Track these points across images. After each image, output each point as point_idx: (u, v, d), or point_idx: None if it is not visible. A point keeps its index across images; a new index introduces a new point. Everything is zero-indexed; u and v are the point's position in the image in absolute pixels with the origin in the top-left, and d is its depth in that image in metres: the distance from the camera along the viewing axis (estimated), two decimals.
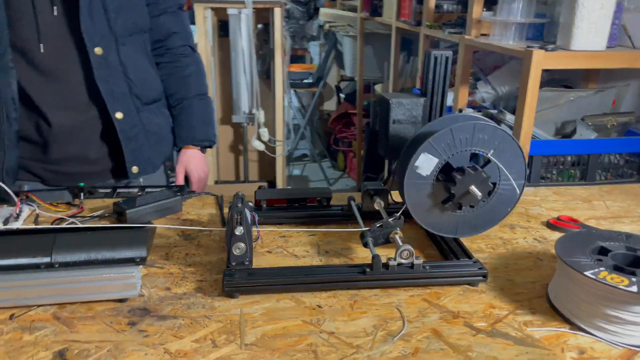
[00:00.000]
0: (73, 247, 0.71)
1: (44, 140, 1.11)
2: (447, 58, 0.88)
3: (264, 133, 2.98)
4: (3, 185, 0.93)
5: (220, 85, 3.24)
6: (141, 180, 1.23)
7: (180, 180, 1.32)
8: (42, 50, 1.05)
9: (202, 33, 2.86)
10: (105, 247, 0.71)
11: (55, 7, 1.05)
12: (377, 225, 0.80)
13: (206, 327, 0.66)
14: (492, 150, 0.77)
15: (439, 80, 0.89)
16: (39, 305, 0.70)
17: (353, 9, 3.62)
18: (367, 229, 0.81)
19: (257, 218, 0.87)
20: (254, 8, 2.85)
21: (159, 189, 1.05)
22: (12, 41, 1.04)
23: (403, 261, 0.76)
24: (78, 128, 1.11)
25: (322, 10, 4.23)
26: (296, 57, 5.42)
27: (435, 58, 0.88)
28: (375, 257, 0.75)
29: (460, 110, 1.55)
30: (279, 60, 2.92)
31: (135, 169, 1.18)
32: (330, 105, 4.74)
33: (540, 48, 1.31)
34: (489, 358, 0.61)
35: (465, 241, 0.88)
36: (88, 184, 1.11)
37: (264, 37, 3.21)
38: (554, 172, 1.47)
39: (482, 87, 1.85)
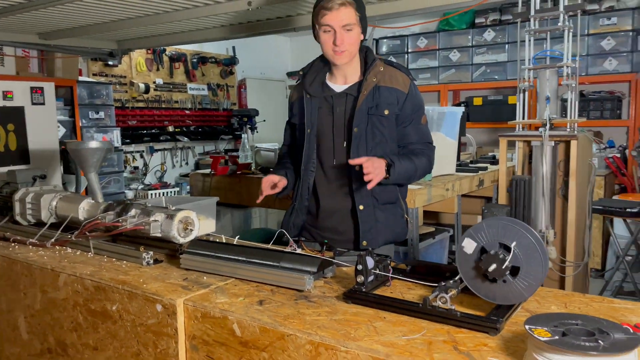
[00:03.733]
0: (292, 261, 1.44)
1: (317, 214, 1.94)
2: (524, 181, 1.25)
3: (552, 251, 3.14)
4: (285, 232, 1.78)
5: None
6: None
7: None
8: (334, 164, 1.90)
9: (503, 160, 3.36)
10: (305, 262, 1.42)
11: (344, 141, 1.89)
12: (443, 284, 1.23)
13: (314, 308, 1.27)
14: (514, 242, 1.12)
15: (520, 194, 1.26)
16: (265, 283, 1.45)
17: None
18: (437, 285, 1.25)
19: (391, 271, 1.41)
20: (554, 140, 3.18)
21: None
22: (317, 156, 1.92)
23: (442, 305, 1.17)
24: (336, 211, 1.90)
25: None
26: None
27: (517, 181, 1.26)
28: (425, 299, 1.19)
29: None
30: (573, 184, 3.10)
31: (364, 243, 1.86)
32: None
33: None
34: None
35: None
36: (333, 245, 1.86)
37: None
38: None
39: None
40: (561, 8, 3.15)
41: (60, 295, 1.66)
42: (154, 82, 5.77)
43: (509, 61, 5.80)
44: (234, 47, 6.75)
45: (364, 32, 1.84)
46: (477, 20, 5.91)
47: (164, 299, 1.38)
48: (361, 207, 1.86)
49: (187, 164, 6.31)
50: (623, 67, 5.24)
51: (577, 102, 3.20)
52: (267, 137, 7.02)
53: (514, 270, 1.12)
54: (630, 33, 5.17)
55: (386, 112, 1.84)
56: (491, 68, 5.91)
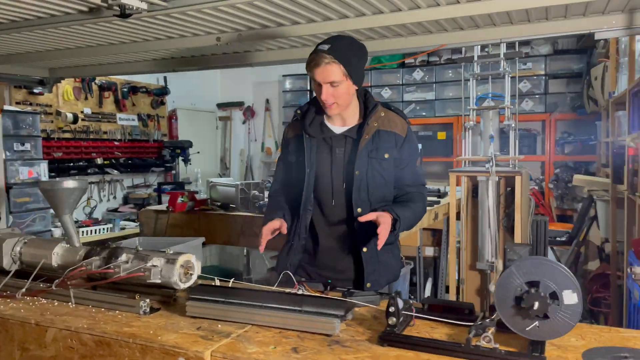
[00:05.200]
0: (314, 304, 1.42)
1: (314, 253, 1.93)
2: (544, 222, 1.34)
3: None
4: (290, 274, 1.75)
5: (470, 236, 3.80)
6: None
7: None
8: (332, 204, 1.90)
9: (453, 194, 3.56)
10: (330, 305, 1.40)
11: (344, 184, 1.90)
12: (479, 323, 1.28)
13: (354, 353, 1.26)
14: (551, 279, 1.19)
15: (541, 234, 1.35)
16: (288, 329, 1.41)
17: (608, 175, 3.80)
18: (473, 324, 1.29)
19: (414, 311, 1.44)
20: (499, 176, 3.43)
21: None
22: (314, 196, 1.92)
23: (486, 344, 1.21)
24: (335, 250, 1.90)
25: (577, 177, 4.46)
26: (564, 217, 5.57)
27: (537, 222, 1.35)
28: (468, 339, 1.23)
29: None
30: (519, 217, 3.35)
31: (368, 285, 1.88)
32: (594, 266, 4.66)
33: None
34: None
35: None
36: (335, 285, 1.85)
37: (510, 198, 3.70)
38: None
39: None
40: (502, 55, 3.44)
41: (48, 353, 1.50)
42: (82, 112, 5.45)
43: (437, 99, 6.18)
44: (165, 77, 6.58)
45: (357, 83, 1.85)
46: (406, 61, 6.26)
47: (189, 352, 1.30)
48: (365, 250, 1.87)
49: (115, 198, 5.97)
50: (538, 107, 5.78)
51: (517, 141, 3.49)
52: (202, 169, 6.86)
53: (554, 305, 1.19)
54: (543, 77, 5.74)
55: (386, 155, 1.88)
56: (420, 105, 6.26)
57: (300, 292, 1.71)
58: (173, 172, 6.61)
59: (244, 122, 7.91)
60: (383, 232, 1.69)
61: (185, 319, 1.53)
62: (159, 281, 1.62)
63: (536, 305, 1.19)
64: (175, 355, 1.32)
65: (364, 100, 1.92)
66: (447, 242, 3.84)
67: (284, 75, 7.13)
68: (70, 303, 1.68)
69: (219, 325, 1.47)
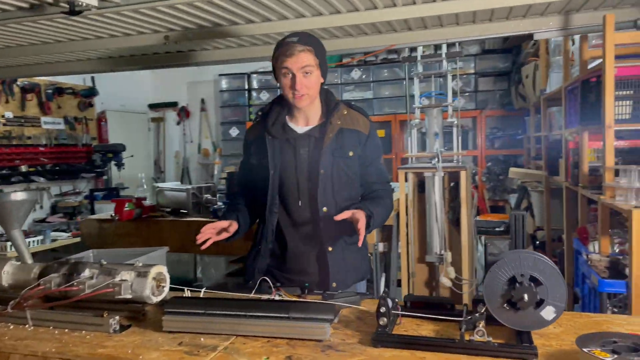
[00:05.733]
0: (302, 310, 1.39)
1: (282, 256, 1.89)
2: (522, 216, 1.40)
3: (451, 271, 3.47)
4: (268, 280, 1.71)
5: (418, 230, 3.90)
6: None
7: None
8: (299, 205, 1.87)
9: (402, 190, 3.64)
10: (319, 310, 1.38)
11: (309, 184, 1.87)
12: (469, 318, 1.31)
13: (350, 357, 1.25)
14: (536, 271, 1.24)
15: (520, 228, 1.40)
16: (277, 338, 1.38)
17: (540, 168, 4.05)
18: (462, 319, 1.32)
19: (400, 309, 1.45)
20: (445, 171, 3.54)
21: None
22: (280, 198, 1.88)
23: (479, 338, 1.24)
24: (303, 252, 1.87)
25: (512, 170, 4.72)
26: (497, 208, 5.86)
27: (515, 216, 1.40)
28: (461, 334, 1.25)
29: None
30: (464, 211, 3.48)
31: (334, 285, 1.87)
32: None
33: None
34: None
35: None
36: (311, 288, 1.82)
37: (454, 192, 3.84)
38: None
39: None
40: (444, 55, 3.56)
41: None
42: (3, 116, 5.03)
43: (375, 98, 6.30)
44: (92, 78, 6.23)
45: (323, 75, 1.87)
46: (344, 60, 6.32)
47: None
48: (330, 249, 1.86)
49: (42, 207, 5.57)
50: (469, 104, 6.05)
51: (460, 137, 3.62)
52: (132, 173, 6.56)
53: (541, 298, 1.25)
54: (473, 75, 6.02)
55: (350, 153, 1.87)
56: (359, 104, 6.33)
57: (278, 297, 1.67)
58: (105, 177, 6.27)
59: (178, 123, 7.66)
60: (362, 228, 1.68)
61: (163, 335, 1.45)
62: (129, 296, 1.52)
63: (526, 297, 1.23)
64: None
65: (325, 99, 1.91)
66: (398, 237, 3.92)
67: (220, 75, 6.97)
68: (27, 325, 1.55)
69: (202, 339, 1.40)
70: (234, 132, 6.93)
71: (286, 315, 1.40)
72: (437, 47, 3.84)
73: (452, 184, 3.82)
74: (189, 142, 7.63)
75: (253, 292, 1.70)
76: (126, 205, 2.92)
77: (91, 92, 6.16)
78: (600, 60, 2.40)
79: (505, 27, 2.76)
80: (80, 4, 1.69)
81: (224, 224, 1.86)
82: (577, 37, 3.05)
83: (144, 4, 1.95)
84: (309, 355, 1.28)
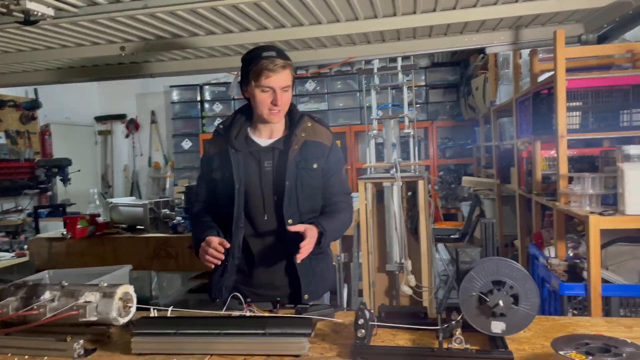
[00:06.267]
0: (278, 325, 1.37)
1: (249, 272, 1.86)
2: (492, 223, 1.44)
3: (412, 279, 3.52)
4: (239, 296, 1.67)
5: (377, 240, 3.94)
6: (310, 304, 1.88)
7: None
8: (265, 219, 1.85)
9: (363, 200, 3.68)
10: (295, 325, 1.36)
11: (275, 196, 1.85)
12: (445, 326, 1.33)
13: None
14: (509, 277, 1.28)
15: (490, 235, 1.44)
16: (254, 355, 1.35)
17: (492, 176, 4.20)
18: (439, 327, 1.33)
19: (376, 320, 1.45)
20: (403, 181, 3.61)
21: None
22: (245, 212, 1.85)
23: (457, 346, 1.26)
24: (271, 266, 1.85)
25: (465, 178, 4.87)
26: (449, 215, 6.02)
27: (485, 224, 1.44)
28: (440, 342, 1.27)
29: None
30: (423, 219, 3.56)
31: (306, 297, 1.85)
32: None
33: (600, 214, 1.75)
34: None
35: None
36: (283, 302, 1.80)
37: (412, 202, 3.91)
38: (636, 309, 1.77)
39: (584, 243, 2.24)
40: (399, 67, 3.64)
41: None
42: None
43: (330, 109, 6.35)
44: (35, 90, 5.96)
45: (293, 89, 1.88)
46: (298, 72, 6.35)
47: None
48: (298, 261, 1.84)
49: None
50: (421, 115, 6.20)
51: (416, 147, 3.70)
52: (78, 189, 6.30)
53: (515, 302, 1.28)
54: (424, 88, 6.19)
55: (315, 165, 1.87)
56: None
57: (249, 314, 1.64)
58: (49, 193, 5.99)
59: (127, 136, 7.44)
60: (307, 247, 1.68)
61: (132, 358, 1.39)
62: (94, 319, 1.45)
63: (501, 302, 1.26)
64: None
65: (289, 112, 1.91)
66: (358, 247, 3.95)
67: (171, 86, 6.83)
68: None
69: None
70: (187, 144, 6.80)
71: (262, 332, 1.37)
72: (392, 59, 3.92)
73: (409, 193, 3.89)
74: (139, 155, 7.42)
75: (224, 309, 1.66)
76: (79, 223, 2.79)
77: (34, 104, 5.89)
78: (550, 73, 2.52)
79: (459, 41, 2.86)
80: (35, 13, 1.62)
81: (217, 239, 1.78)
82: (524, 52, 3.20)
83: (102, 14, 1.88)
84: None
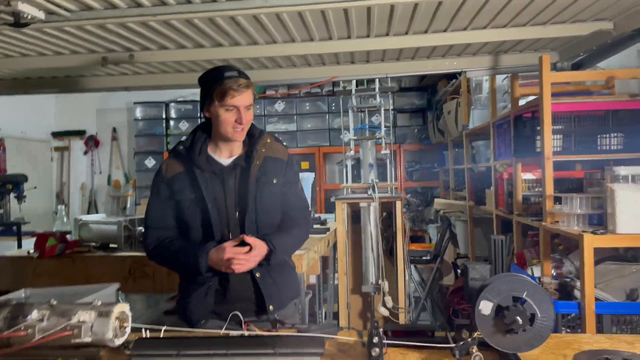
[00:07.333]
0: (288, 345, 1.31)
1: (224, 291, 1.80)
2: (502, 240, 1.45)
3: (389, 300, 3.51)
4: (239, 314, 1.60)
5: (352, 261, 3.92)
6: (276, 315, 1.82)
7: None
8: (230, 237, 1.79)
9: (340, 221, 3.66)
10: (306, 344, 1.31)
11: (237, 213, 1.81)
12: (462, 344, 1.31)
13: None
14: (525, 292, 1.28)
15: (499, 252, 1.45)
16: None
17: (462, 198, 4.28)
18: (455, 345, 1.32)
19: (386, 341, 1.42)
20: (380, 202, 3.62)
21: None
22: (211, 231, 1.79)
23: None
24: (242, 282, 1.79)
25: (437, 200, 4.95)
26: (416, 238, 6.08)
27: (495, 240, 1.45)
28: None
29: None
30: (400, 240, 3.57)
31: (271, 308, 1.80)
32: (449, 280, 5.16)
33: (592, 232, 1.80)
34: None
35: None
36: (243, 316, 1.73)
37: (387, 223, 3.92)
38: (625, 327, 1.82)
39: (567, 262, 2.29)
40: (377, 89, 3.69)
41: None
42: None
43: (298, 130, 6.35)
44: None
45: None
46: (267, 92, 6.34)
47: None
48: (258, 275, 1.81)
49: None
50: (388, 138, 6.28)
51: (393, 169, 3.74)
52: (34, 206, 5.98)
53: (532, 318, 1.28)
54: (391, 111, 6.29)
55: (274, 180, 1.89)
56: (282, 136, 6.35)
57: (247, 334, 1.58)
58: (0, 211, 5.64)
59: (85, 153, 7.16)
60: (249, 258, 1.70)
61: None
62: (89, 340, 1.35)
63: (519, 319, 1.26)
64: None
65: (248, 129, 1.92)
66: (334, 269, 3.91)
67: (135, 103, 6.65)
68: None
69: None
70: (150, 162, 6.60)
71: (272, 351, 1.32)
72: (369, 81, 3.98)
73: (384, 214, 3.91)
74: (98, 172, 7.14)
75: (224, 328, 1.58)
76: (48, 241, 2.63)
77: None
78: (531, 97, 2.61)
79: (442, 64, 2.93)
80: (26, 16, 1.53)
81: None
82: (499, 77, 3.31)
83: (94, 20, 1.80)
84: None
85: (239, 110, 1.78)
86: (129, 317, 1.44)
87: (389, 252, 3.90)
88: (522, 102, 2.68)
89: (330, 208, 6.10)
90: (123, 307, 1.42)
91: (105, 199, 7.09)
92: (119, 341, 1.39)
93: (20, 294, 1.79)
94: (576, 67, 2.75)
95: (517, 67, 2.86)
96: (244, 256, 1.69)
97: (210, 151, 1.89)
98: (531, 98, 2.64)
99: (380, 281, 3.61)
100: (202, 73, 1.91)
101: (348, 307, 3.79)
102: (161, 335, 1.53)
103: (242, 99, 1.78)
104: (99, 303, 1.41)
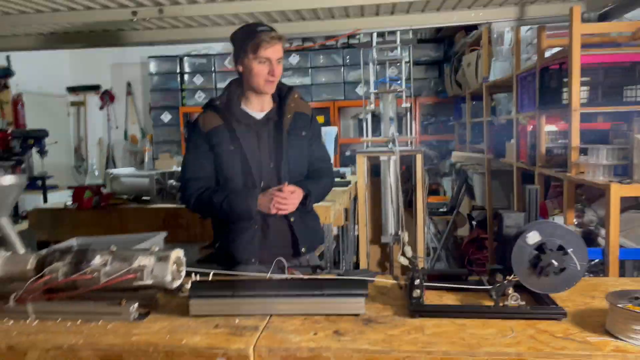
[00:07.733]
0: (334, 287, 1.41)
1: (264, 235, 1.95)
2: (536, 190, 1.51)
3: (408, 250, 3.62)
4: (283, 260, 1.70)
5: (371, 213, 4.02)
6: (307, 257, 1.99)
7: None
8: (262, 186, 1.92)
9: (361, 174, 3.73)
10: (352, 286, 1.41)
11: (272, 164, 1.93)
12: (498, 285, 1.40)
13: (395, 328, 1.30)
14: (561, 238, 1.36)
15: (533, 201, 1.52)
16: (314, 315, 1.39)
17: (479, 151, 4.32)
18: (492, 287, 1.41)
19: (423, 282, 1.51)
20: (402, 155, 3.68)
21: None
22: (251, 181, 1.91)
23: (513, 303, 1.34)
24: (277, 227, 1.94)
25: (455, 153, 4.99)
26: (431, 190, 6.15)
27: (530, 190, 1.52)
28: (496, 301, 1.34)
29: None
30: (420, 192, 3.65)
31: (304, 250, 1.95)
32: (463, 232, 5.28)
33: (619, 182, 1.86)
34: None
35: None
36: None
37: (406, 176, 4.00)
38: None
39: (589, 212, 2.36)
40: (398, 41, 3.67)
41: None
42: None
43: (313, 84, 6.34)
44: (8, 57, 5.68)
45: None
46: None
47: (229, 350, 1.21)
48: (292, 219, 1.96)
49: None
50: (408, 91, 6.26)
51: (412, 122, 3.77)
52: (56, 162, 6.10)
53: (565, 262, 1.37)
54: (409, 64, 6.24)
55: (304, 133, 2.01)
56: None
57: (291, 277, 1.68)
58: (23, 165, 5.76)
59: (101, 108, 7.21)
60: (292, 200, 1.85)
61: (192, 320, 1.40)
62: (150, 282, 1.45)
63: (554, 262, 1.34)
64: (212, 357, 1.21)
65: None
66: (354, 220, 4.02)
67: (149, 57, 6.63)
68: (30, 319, 1.42)
69: (237, 321, 1.38)
70: (166, 117, 6.65)
71: (320, 292, 1.41)
72: (384, 34, 3.95)
73: (403, 168, 3.97)
74: (114, 128, 7.21)
75: (270, 273, 1.69)
76: (85, 193, 2.73)
77: (7, 72, 5.63)
78: (558, 48, 2.61)
79: (467, 16, 2.92)
80: None
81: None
82: (523, 28, 3.28)
83: None
84: (354, 329, 1.30)
85: (271, 62, 1.87)
86: (184, 262, 1.54)
87: (407, 204, 3.99)
88: (547, 54, 2.68)
89: (345, 162, 6.17)
90: (179, 253, 1.52)
91: (122, 154, 7.19)
92: (176, 284, 1.49)
93: (72, 242, 1.89)
94: (602, 18, 2.72)
95: (543, 18, 2.84)
96: (290, 199, 1.82)
97: (244, 105, 1.99)
98: (556, 50, 2.64)
99: (400, 232, 3.72)
100: (235, 30, 1.97)
101: (368, 257, 3.92)
102: (209, 279, 1.64)
103: (274, 51, 1.86)
104: (157, 249, 1.50)
